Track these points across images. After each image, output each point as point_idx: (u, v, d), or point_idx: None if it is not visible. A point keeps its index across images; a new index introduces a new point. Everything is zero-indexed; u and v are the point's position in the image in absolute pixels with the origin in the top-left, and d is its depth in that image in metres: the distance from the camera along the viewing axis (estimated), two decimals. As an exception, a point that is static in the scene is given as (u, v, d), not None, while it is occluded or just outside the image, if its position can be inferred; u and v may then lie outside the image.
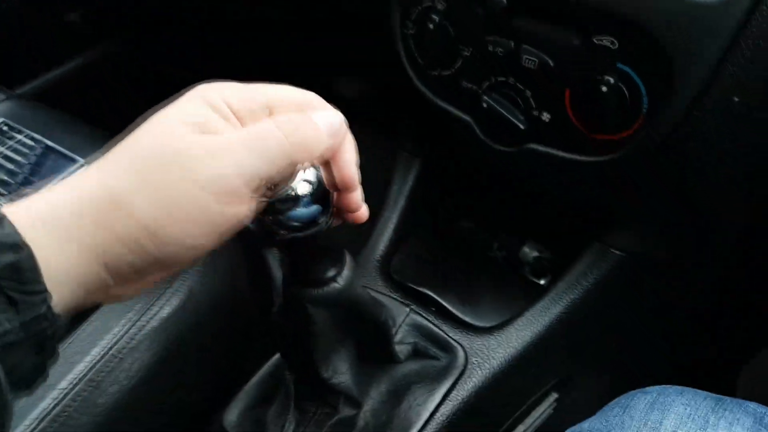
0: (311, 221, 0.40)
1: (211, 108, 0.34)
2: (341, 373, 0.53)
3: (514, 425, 0.70)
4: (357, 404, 0.56)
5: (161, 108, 0.35)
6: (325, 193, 0.40)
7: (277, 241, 0.41)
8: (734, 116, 0.54)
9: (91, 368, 0.50)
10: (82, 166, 0.75)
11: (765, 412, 0.44)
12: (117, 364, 0.51)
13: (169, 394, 0.55)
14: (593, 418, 0.50)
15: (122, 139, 0.34)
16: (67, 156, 0.76)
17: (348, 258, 0.49)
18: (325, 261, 0.47)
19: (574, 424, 0.59)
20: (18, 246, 0.28)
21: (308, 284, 0.46)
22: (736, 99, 0.52)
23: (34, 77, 1.04)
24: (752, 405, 0.45)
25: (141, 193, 0.31)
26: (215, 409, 0.58)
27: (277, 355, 0.62)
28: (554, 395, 0.73)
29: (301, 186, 0.39)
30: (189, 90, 0.35)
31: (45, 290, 0.29)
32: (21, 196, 0.32)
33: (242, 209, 0.32)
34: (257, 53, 1.44)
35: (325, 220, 0.41)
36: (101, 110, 1.02)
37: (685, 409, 0.45)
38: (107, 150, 0.34)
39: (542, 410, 0.73)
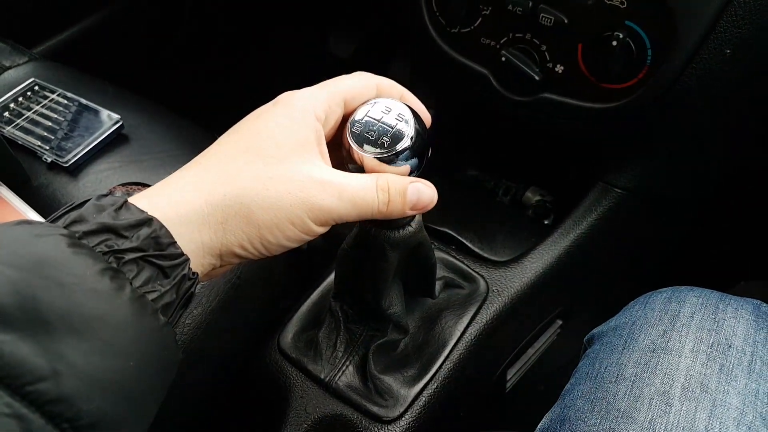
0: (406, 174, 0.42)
1: (306, 120, 0.39)
2: (395, 304, 0.58)
3: (526, 348, 0.77)
4: (404, 331, 0.62)
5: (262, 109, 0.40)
6: (421, 149, 0.42)
7: None
8: (726, 67, 0.59)
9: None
10: (117, 122, 0.78)
11: (761, 304, 0.51)
12: (200, 290, 0.56)
13: (238, 316, 0.61)
14: (617, 316, 0.55)
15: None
16: (100, 112, 0.80)
17: None
18: None
19: (574, 349, 0.64)
20: (150, 220, 0.33)
21: (389, 227, 0.50)
22: (728, 51, 0.58)
23: (48, 38, 1.05)
24: (750, 299, 0.52)
25: (262, 206, 0.36)
26: (271, 335, 0.64)
27: (321, 286, 0.67)
28: (559, 322, 0.80)
29: (402, 142, 0.41)
30: (280, 99, 0.40)
31: (183, 253, 0.34)
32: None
33: (324, 229, 0.39)
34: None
35: (416, 173, 0.43)
36: (114, 68, 1.05)
37: (698, 299, 0.51)
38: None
39: (549, 335, 0.80)
